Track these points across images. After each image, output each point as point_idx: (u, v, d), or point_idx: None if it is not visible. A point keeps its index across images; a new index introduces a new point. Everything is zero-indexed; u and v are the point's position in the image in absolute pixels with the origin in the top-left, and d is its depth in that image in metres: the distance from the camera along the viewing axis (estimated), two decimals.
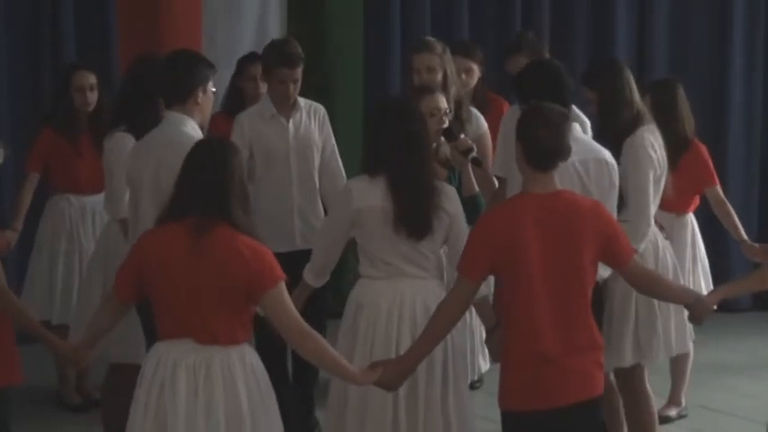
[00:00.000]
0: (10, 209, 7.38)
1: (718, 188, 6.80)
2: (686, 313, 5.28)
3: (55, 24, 8.34)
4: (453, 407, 4.97)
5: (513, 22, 9.13)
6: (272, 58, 6.30)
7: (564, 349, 4.50)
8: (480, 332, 6.23)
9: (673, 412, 6.89)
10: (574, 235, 4.52)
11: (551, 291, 4.49)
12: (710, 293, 5.16)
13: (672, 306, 5.75)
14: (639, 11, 9.49)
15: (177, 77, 5.50)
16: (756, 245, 6.72)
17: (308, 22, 8.80)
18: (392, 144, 4.95)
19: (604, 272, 5.02)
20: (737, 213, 7.03)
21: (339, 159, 6.49)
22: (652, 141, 5.68)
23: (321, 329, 5.42)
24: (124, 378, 5.83)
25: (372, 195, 4.93)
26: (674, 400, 6.91)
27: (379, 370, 4.61)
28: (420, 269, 5.00)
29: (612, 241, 4.60)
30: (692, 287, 6.00)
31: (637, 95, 5.75)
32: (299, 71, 6.25)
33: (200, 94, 5.44)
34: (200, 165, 4.50)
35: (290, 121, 6.31)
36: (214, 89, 5.57)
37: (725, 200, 6.81)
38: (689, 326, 5.94)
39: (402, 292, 4.98)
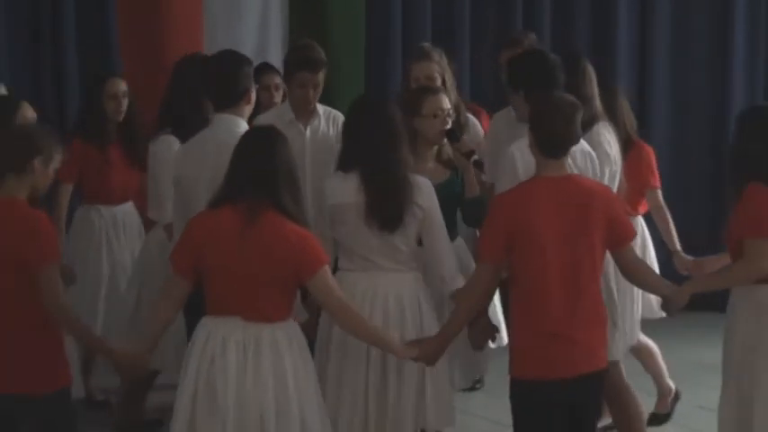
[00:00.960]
0: None
1: (659, 192, 6.75)
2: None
3: (55, 25, 8.35)
4: (431, 393, 5.10)
5: (514, 22, 9.16)
6: (294, 62, 6.24)
7: (572, 324, 4.71)
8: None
9: (667, 406, 6.92)
10: (585, 216, 4.72)
11: (563, 268, 4.69)
12: (686, 284, 5.22)
13: (627, 299, 5.91)
14: (640, 10, 9.57)
15: (228, 80, 5.53)
16: (690, 258, 6.61)
17: (309, 22, 8.79)
18: (364, 141, 5.08)
19: None
20: None
21: None
22: (608, 138, 5.76)
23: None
24: (141, 383, 6.05)
25: (346, 191, 5.06)
26: (662, 392, 6.92)
27: (416, 348, 4.86)
28: (394, 262, 5.11)
29: (617, 224, 4.81)
30: (620, 309, 5.98)
31: (597, 93, 5.83)
32: (321, 76, 6.20)
33: (252, 94, 5.57)
34: (250, 152, 4.73)
35: (308, 127, 6.26)
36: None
37: (663, 205, 6.76)
38: (637, 319, 6.15)
39: (376, 284, 5.10)
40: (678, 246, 6.70)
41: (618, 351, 5.91)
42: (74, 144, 6.85)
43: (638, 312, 6.19)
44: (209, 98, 5.71)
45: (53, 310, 4.78)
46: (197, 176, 5.42)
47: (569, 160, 5.15)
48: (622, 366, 6.17)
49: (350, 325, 4.82)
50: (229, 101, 5.52)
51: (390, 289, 5.12)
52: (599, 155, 5.62)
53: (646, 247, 6.71)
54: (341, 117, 6.35)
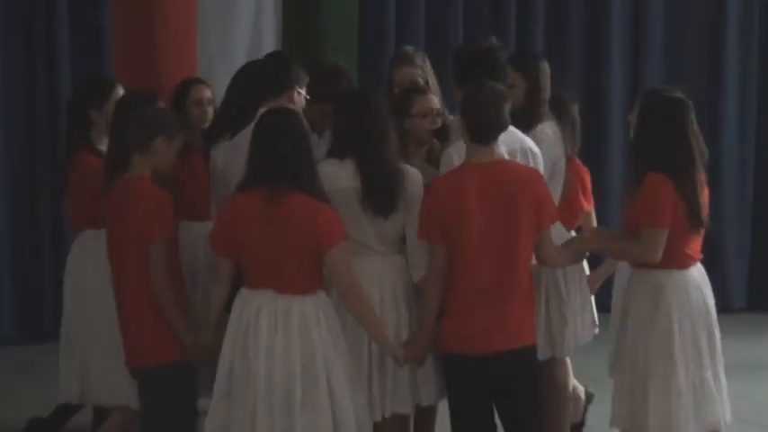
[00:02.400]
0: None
1: (592, 214, 6.57)
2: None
3: (49, 26, 8.48)
4: (422, 372, 5.23)
5: (507, 22, 9.26)
6: (325, 94, 5.88)
7: (497, 301, 4.93)
8: None
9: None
10: (513, 199, 4.94)
11: (491, 248, 4.92)
12: (579, 241, 5.50)
13: (578, 297, 5.97)
14: (634, 7, 9.66)
15: (273, 74, 5.69)
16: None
17: (302, 25, 8.72)
18: (358, 129, 5.19)
19: None
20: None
21: None
22: (551, 136, 5.83)
23: None
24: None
25: (342, 177, 5.16)
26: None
27: (404, 348, 5.03)
28: (385, 246, 5.25)
29: (540, 205, 5.01)
30: (569, 306, 6.02)
31: (548, 94, 5.88)
32: None
33: (295, 95, 5.65)
34: (269, 135, 4.92)
35: (322, 138, 6.07)
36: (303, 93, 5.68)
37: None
38: (593, 317, 6.14)
39: (372, 269, 5.20)
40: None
41: (566, 348, 5.98)
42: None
43: (592, 313, 6.16)
44: (257, 91, 5.72)
45: (154, 282, 5.12)
46: (238, 168, 5.36)
47: (509, 158, 5.31)
48: (569, 365, 6.15)
49: (356, 309, 4.97)
50: (271, 94, 5.60)
51: (385, 275, 5.24)
52: (542, 152, 5.66)
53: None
54: None
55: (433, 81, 6.31)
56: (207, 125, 6.30)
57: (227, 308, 5.10)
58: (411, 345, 5.10)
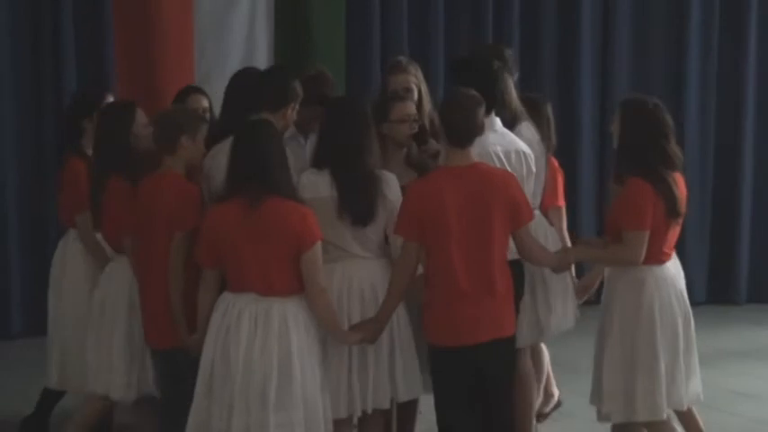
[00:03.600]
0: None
1: (562, 210, 6.60)
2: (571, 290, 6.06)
3: (54, 38, 8.57)
4: (400, 370, 5.34)
5: (485, 34, 9.37)
6: (312, 98, 6.02)
7: (476, 294, 5.01)
8: None
9: (547, 408, 6.82)
10: (488, 200, 5.01)
11: (468, 248, 4.99)
12: (568, 252, 5.60)
13: (561, 286, 6.11)
14: (603, 11, 9.74)
15: (274, 89, 5.66)
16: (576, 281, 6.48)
17: (293, 36, 8.92)
18: (333, 139, 5.26)
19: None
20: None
21: None
22: (529, 137, 5.90)
23: None
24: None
25: (319, 186, 5.23)
26: (547, 395, 6.82)
27: (358, 333, 5.11)
28: (366, 250, 5.31)
29: (515, 206, 5.08)
30: (552, 295, 6.16)
31: (514, 98, 5.93)
32: None
33: (290, 111, 5.66)
34: (249, 144, 4.98)
35: (308, 140, 6.30)
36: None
37: (563, 225, 6.59)
38: (574, 306, 6.25)
39: (351, 274, 5.28)
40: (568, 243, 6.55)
41: (550, 335, 6.19)
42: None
43: (574, 302, 6.26)
44: (255, 102, 5.68)
45: (169, 269, 5.25)
46: (219, 174, 5.47)
47: (504, 159, 5.50)
48: (546, 353, 6.43)
49: (319, 306, 5.00)
50: (268, 107, 5.57)
51: (364, 277, 5.29)
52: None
53: (548, 235, 6.38)
54: None
55: (424, 88, 6.42)
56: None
57: None
58: (368, 326, 5.14)
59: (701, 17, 9.82)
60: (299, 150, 6.25)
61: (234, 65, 8.11)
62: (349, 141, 5.24)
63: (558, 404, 6.92)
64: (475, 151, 5.24)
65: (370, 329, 5.14)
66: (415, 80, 6.40)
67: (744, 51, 9.84)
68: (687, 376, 5.51)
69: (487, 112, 5.45)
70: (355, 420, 5.50)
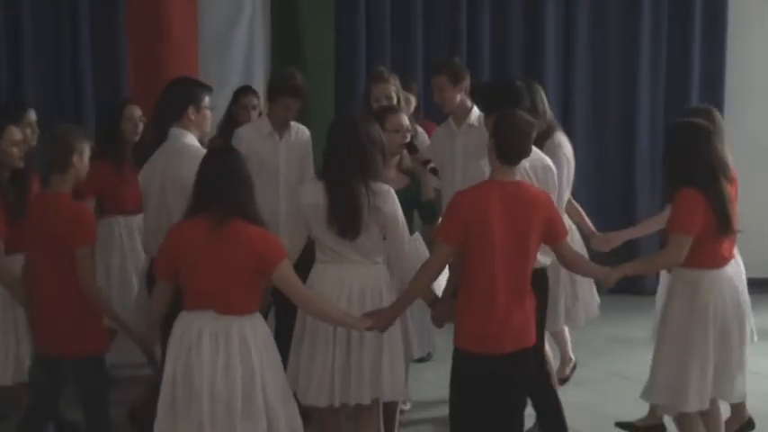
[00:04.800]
0: None
1: (571, 201, 6.75)
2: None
3: (74, 53, 8.83)
4: (387, 369, 5.38)
5: (460, 47, 9.62)
6: (281, 88, 6.51)
7: (510, 306, 5.03)
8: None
9: (565, 372, 7.32)
10: (526, 215, 5.03)
11: (506, 257, 5.00)
12: (616, 269, 5.45)
13: (584, 279, 6.43)
14: (564, 45, 10.06)
15: (171, 98, 5.86)
16: (600, 234, 6.88)
17: (287, 53, 9.26)
18: (332, 153, 5.30)
19: (546, 259, 5.65)
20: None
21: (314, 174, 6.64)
22: (564, 143, 6.23)
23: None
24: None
25: (316, 194, 5.29)
26: (563, 360, 7.33)
27: (370, 319, 5.14)
28: (361, 256, 5.33)
29: (553, 223, 5.12)
30: (580, 287, 6.56)
31: (548, 109, 6.26)
32: (300, 102, 6.55)
33: (193, 112, 5.78)
34: (215, 170, 4.98)
35: (283, 139, 6.61)
36: (209, 108, 5.87)
37: (573, 201, 6.82)
38: (596, 295, 6.69)
39: (345, 276, 5.33)
40: (593, 228, 6.98)
41: (580, 320, 6.57)
42: (96, 163, 6.46)
43: (596, 293, 6.64)
44: (163, 116, 5.91)
45: (83, 283, 5.23)
46: (151, 182, 5.78)
47: (531, 174, 5.60)
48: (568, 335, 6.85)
49: (314, 311, 5.09)
50: (172, 116, 5.77)
51: (355, 280, 5.32)
52: (559, 158, 6.01)
53: (572, 234, 6.77)
54: (307, 132, 6.78)
55: (403, 96, 6.78)
56: (137, 138, 7.01)
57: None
58: (382, 313, 5.16)
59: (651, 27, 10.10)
60: (275, 147, 6.61)
61: (235, 81, 8.60)
62: (344, 158, 5.25)
63: (574, 367, 7.32)
64: None
65: (381, 318, 5.15)
66: (395, 88, 6.74)
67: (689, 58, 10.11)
68: (737, 372, 5.59)
69: None
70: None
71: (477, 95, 6.02)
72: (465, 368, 5.13)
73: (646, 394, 5.69)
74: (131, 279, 6.99)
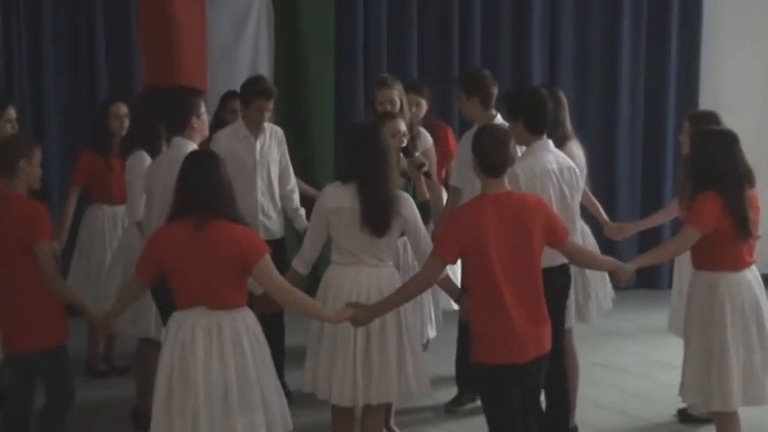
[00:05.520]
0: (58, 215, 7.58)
1: (586, 192, 6.76)
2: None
3: (90, 61, 9.08)
4: (411, 363, 5.49)
5: (451, 51, 9.78)
6: (254, 91, 6.83)
7: (521, 317, 5.03)
8: (429, 306, 6.80)
9: None
10: (523, 223, 5.05)
11: (509, 271, 5.00)
12: (630, 262, 5.54)
13: (597, 276, 6.46)
14: (549, 56, 10.15)
15: (175, 111, 6.06)
16: (614, 224, 7.08)
17: (290, 65, 9.46)
18: (362, 159, 5.38)
19: (555, 261, 5.63)
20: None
21: (291, 168, 7.17)
22: (577, 152, 6.28)
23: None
24: (149, 351, 6.48)
25: (344, 198, 5.39)
26: None
27: (351, 310, 5.19)
28: (377, 259, 5.46)
29: (552, 226, 5.12)
30: (592, 284, 6.54)
31: (567, 117, 6.38)
32: (272, 102, 6.89)
33: (195, 120, 6.05)
34: (196, 173, 5.04)
35: (258, 140, 6.90)
36: (206, 111, 6.13)
37: (588, 192, 6.87)
38: (609, 290, 6.68)
39: (360, 277, 5.43)
40: (606, 218, 7.13)
41: (590, 317, 6.54)
42: (84, 154, 7.50)
43: (609, 287, 6.64)
44: (166, 125, 6.18)
45: (45, 275, 5.36)
46: (155, 187, 5.97)
47: (558, 175, 5.67)
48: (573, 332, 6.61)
49: (294, 304, 5.11)
50: (178, 127, 6.00)
51: (372, 282, 5.42)
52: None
53: (584, 234, 6.79)
54: (280, 131, 7.06)
55: (405, 101, 6.91)
56: (123, 133, 7.22)
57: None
58: (363, 309, 5.18)
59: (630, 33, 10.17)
60: (251, 149, 6.91)
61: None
62: (374, 161, 5.36)
63: None
64: (537, 170, 5.54)
65: (362, 314, 5.18)
66: (398, 93, 6.92)
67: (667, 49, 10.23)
68: (762, 376, 5.63)
69: (539, 135, 5.75)
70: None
71: (502, 102, 6.10)
72: (492, 380, 5.13)
73: (681, 393, 5.78)
74: (114, 264, 7.06)
